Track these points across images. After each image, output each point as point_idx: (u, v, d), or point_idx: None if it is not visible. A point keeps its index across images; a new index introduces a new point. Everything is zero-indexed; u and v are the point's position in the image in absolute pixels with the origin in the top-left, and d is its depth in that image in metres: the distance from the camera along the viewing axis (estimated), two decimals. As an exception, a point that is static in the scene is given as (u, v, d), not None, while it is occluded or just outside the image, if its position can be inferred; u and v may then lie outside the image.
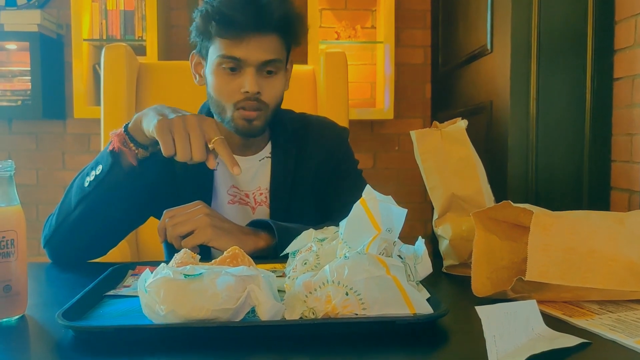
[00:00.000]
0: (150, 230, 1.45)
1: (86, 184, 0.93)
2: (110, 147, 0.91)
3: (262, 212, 1.12)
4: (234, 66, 1.00)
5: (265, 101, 1.03)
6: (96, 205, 0.94)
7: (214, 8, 0.99)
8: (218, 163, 0.92)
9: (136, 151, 0.91)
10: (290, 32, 1.04)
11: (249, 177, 1.12)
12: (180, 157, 0.85)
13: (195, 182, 1.09)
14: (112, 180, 0.92)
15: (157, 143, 0.87)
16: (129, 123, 0.92)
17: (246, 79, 1.00)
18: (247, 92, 0.99)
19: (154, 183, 1.00)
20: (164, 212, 0.93)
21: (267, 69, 1.02)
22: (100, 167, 0.92)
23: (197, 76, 1.11)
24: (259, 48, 0.99)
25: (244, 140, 1.11)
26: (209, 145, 0.86)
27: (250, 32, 0.98)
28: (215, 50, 1.01)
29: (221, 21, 0.98)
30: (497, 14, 1.87)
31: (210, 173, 1.10)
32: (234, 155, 1.10)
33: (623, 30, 1.66)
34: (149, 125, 0.87)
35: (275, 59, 1.02)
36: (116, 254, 1.23)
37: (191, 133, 0.85)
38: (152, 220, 1.09)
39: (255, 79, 1.00)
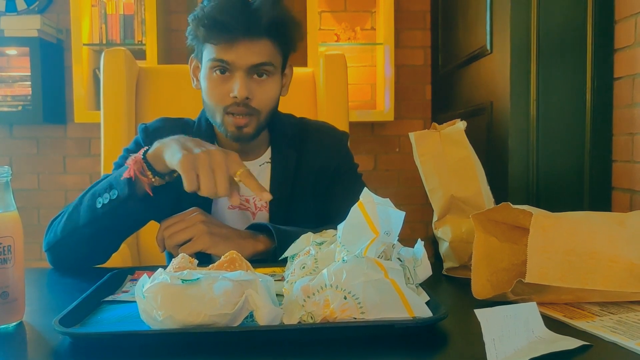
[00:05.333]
0: (151, 234, 1.44)
1: (98, 205, 0.91)
2: (127, 174, 0.89)
3: (263, 217, 1.12)
4: (224, 68, 0.99)
5: (256, 107, 1.01)
6: (107, 227, 0.93)
7: (204, 13, 0.98)
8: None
9: (153, 180, 0.90)
10: (283, 37, 1.03)
11: None
12: (204, 193, 0.84)
13: None
14: (127, 207, 0.90)
15: (174, 172, 0.87)
16: (147, 150, 0.90)
17: (235, 84, 0.99)
18: (236, 96, 0.99)
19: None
20: (161, 222, 0.93)
21: (257, 71, 1.00)
22: (115, 192, 0.90)
23: (194, 80, 1.11)
24: (249, 52, 0.98)
25: (243, 145, 1.10)
26: (235, 179, 0.86)
27: (240, 37, 0.97)
28: (207, 54, 1.01)
29: (210, 26, 0.97)
30: (496, 14, 1.87)
31: None
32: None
33: (623, 29, 1.65)
34: (172, 158, 0.85)
35: (266, 62, 1.00)
36: (117, 259, 1.22)
37: (216, 169, 0.84)
38: (153, 224, 1.09)
39: (244, 83, 0.98)
